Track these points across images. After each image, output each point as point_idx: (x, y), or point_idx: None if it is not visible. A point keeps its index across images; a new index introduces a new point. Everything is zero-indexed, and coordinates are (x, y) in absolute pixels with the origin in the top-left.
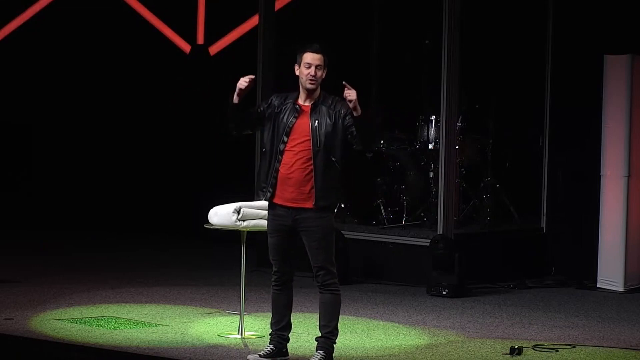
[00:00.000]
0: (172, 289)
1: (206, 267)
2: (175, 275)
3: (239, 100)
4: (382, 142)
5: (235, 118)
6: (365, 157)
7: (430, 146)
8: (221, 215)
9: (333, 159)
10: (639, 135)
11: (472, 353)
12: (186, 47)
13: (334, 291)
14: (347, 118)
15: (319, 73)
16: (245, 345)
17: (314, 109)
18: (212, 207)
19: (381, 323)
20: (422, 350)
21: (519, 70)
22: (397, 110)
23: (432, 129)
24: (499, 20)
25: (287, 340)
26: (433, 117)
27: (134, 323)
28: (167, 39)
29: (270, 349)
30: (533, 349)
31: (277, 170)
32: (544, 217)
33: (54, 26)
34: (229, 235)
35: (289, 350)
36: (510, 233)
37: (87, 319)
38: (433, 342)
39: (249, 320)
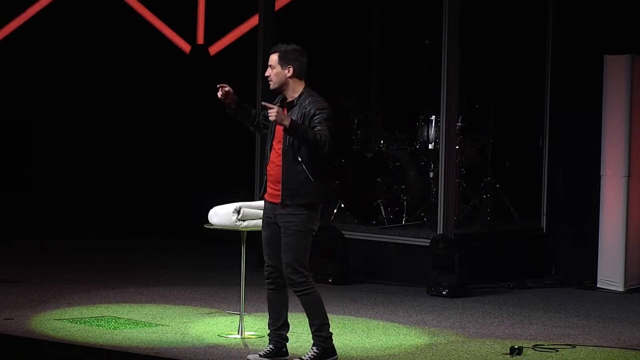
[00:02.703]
0: (172, 289)
1: (206, 267)
2: (175, 275)
3: (233, 107)
4: (382, 142)
5: (243, 120)
6: (365, 157)
7: (430, 146)
8: (221, 215)
9: (299, 158)
10: (639, 135)
11: (472, 353)
12: (186, 47)
13: (304, 291)
14: (314, 119)
15: (269, 73)
16: (245, 345)
17: (290, 108)
18: (212, 207)
19: (381, 323)
20: (422, 350)
21: (519, 70)
22: (397, 110)
23: (432, 129)
24: (499, 20)
25: (286, 339)
26: (433, 117)
27: (134, 323)
28: (167, 39)
29: (270, 348)
30: (533, 349)
31: (266, 168)
32: (544, 217)
33: (54, 26)
34: (229, 235)
35: (289, 350)
36: (510, 233)
37: (87, 319)
38: (433, 342)
39: (249, 320)
